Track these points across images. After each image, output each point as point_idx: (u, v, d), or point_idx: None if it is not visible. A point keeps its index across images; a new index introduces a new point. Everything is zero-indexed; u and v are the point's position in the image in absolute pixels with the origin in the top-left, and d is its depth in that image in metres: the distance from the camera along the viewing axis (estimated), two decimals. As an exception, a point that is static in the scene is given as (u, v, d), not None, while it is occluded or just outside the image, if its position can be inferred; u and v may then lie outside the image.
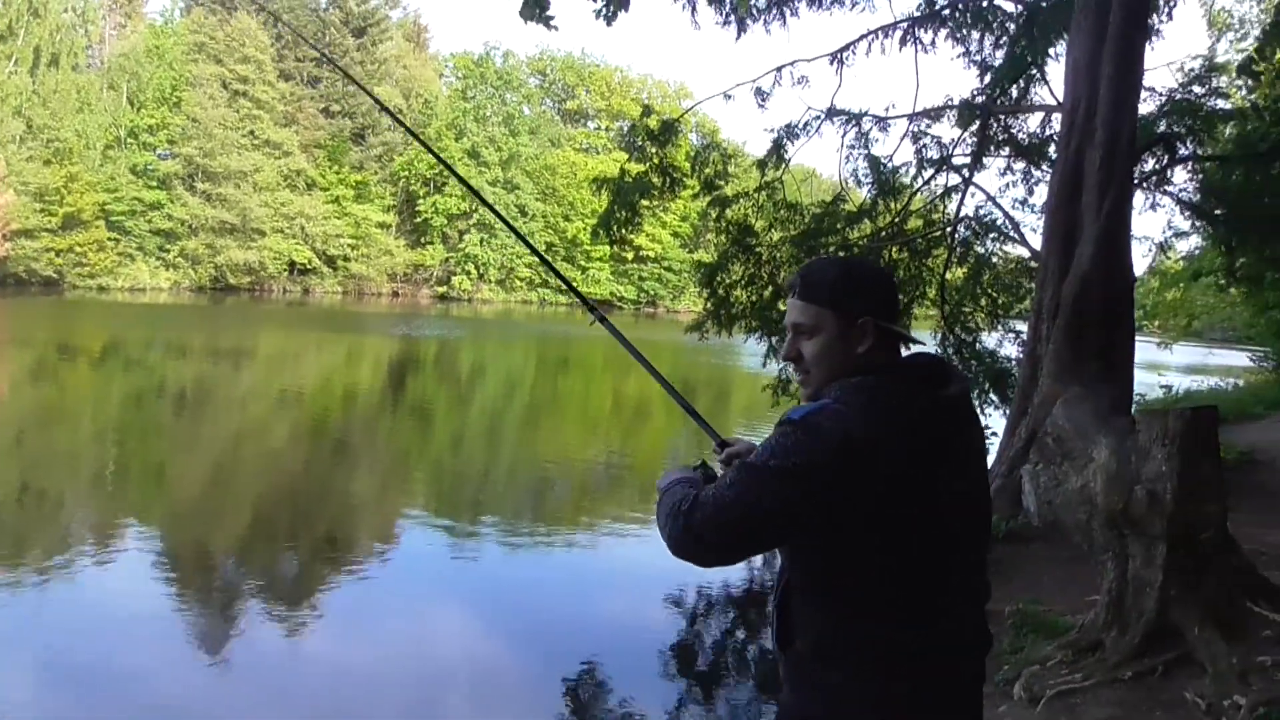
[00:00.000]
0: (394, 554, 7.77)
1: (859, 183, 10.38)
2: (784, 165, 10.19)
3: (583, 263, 59.61)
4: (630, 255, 58.77)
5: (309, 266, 53.40)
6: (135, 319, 31.59)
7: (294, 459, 11.73)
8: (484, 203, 3.09)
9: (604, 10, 7.73)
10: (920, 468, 1.43)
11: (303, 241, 52.35)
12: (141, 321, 30.81)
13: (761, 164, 10.32)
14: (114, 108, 49.15)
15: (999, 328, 10.66)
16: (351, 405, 16.89)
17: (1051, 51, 9.00)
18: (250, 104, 50.19)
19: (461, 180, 3.11)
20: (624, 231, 9.90)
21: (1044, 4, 8.66)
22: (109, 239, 45.04)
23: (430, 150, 3.09)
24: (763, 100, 9.87)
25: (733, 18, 9.36)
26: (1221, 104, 9.53)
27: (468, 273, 58.43)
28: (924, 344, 2.35)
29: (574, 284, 2.80)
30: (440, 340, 32.31)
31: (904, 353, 1.63)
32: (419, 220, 57.98)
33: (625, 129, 11.05)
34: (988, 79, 9.84)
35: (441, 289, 58.74)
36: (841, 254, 9.33)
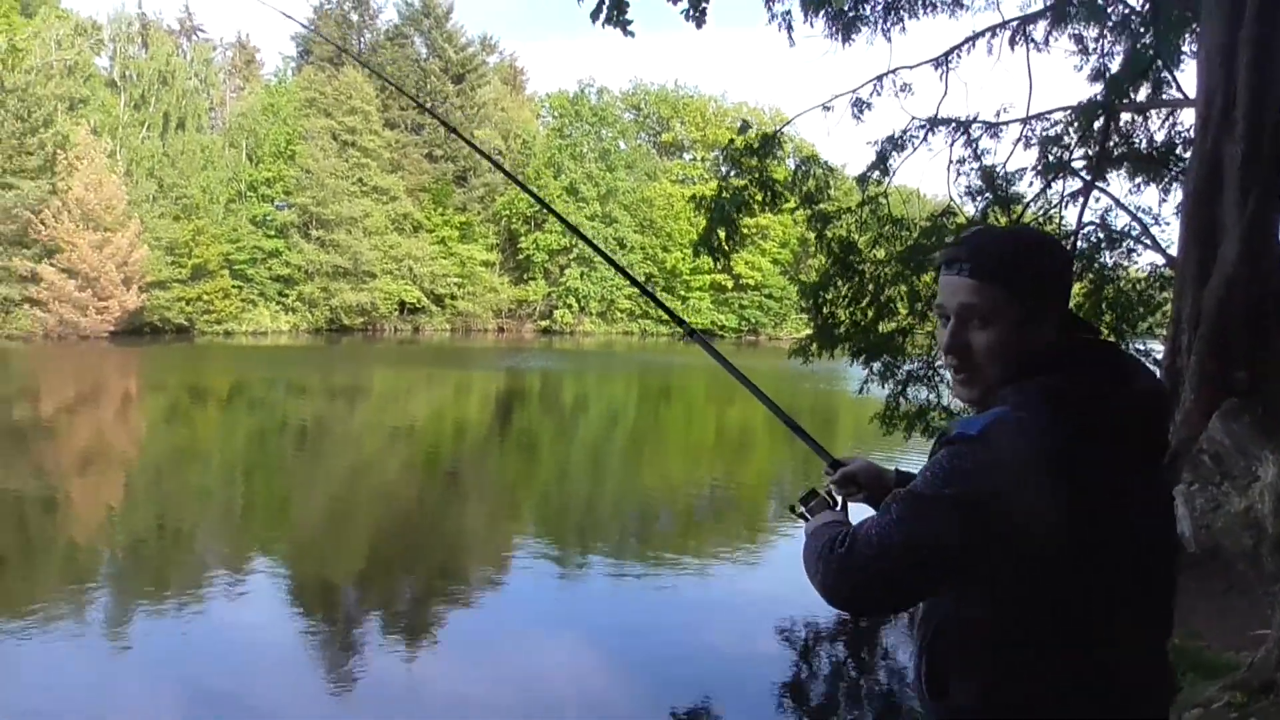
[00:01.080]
0: (505, 584, 7.90)
1: (971, 195, 9.85)
2: (888, 177, 9.82)
3: (683, 293, 59.63)
4: (730, 284, 58.55)
5: (418, 306, 55.20)
6: (259, 361, 33.25)
7: (408, 490, 11.99)
8: (579, 235, 3.00)
9: (689, 10, 7.66)
10: (1116, 479, 1.21)
11: (411, 282, 54.19)
12: (265, 363, 32.38)
13: (863, 178, 9.97)
14: (235, 164, 52.38)
15: (1127, 346, 9.95)
16: (461, 437, 17.23)
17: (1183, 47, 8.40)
18: (358, 153, 52.49)
19: (559, 216, 3.07)
20: (724, 248, 9.71)
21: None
22: (233, 287, 47.64)
23: (527, 190, 3.07)
24: (863, 111, 9.51)
25: (839, 27, 9.03)
26: None
27: (569, 306, 59.27)
28: (1104, 334, 2.02)
29: (669, 308, 2.63)
30: (544, 373, 32.79)
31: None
32: (521, 257, 59.28)
33: (722, 149, 10.85)
34: (1107, 77, 9.25)
35: (544, 323, 59.74)
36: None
